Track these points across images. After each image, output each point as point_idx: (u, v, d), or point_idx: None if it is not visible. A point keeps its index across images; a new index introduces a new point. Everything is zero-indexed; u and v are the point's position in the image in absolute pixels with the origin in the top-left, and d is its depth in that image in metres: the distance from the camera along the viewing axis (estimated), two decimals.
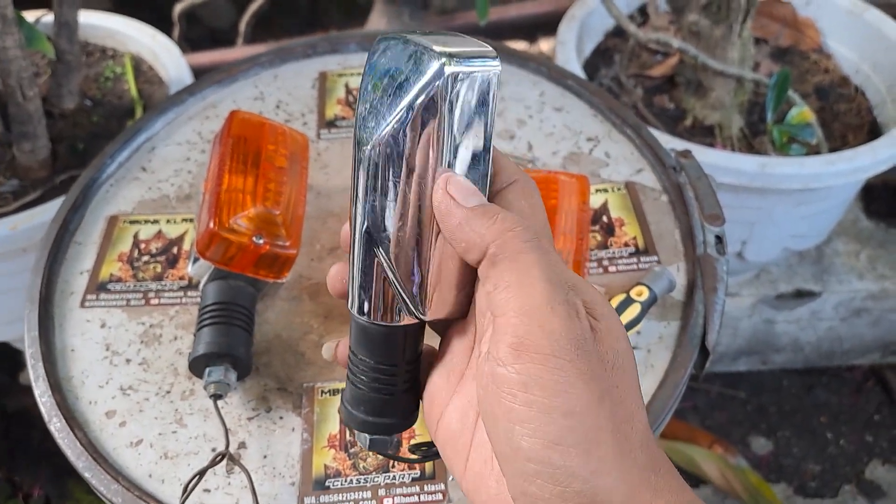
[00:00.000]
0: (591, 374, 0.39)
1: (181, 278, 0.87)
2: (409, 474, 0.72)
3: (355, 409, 0.49)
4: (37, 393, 0.77)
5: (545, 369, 0.38)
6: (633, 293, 0.81)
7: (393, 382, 0.48)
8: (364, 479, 0.72)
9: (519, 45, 2.01)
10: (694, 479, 1.56)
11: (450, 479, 0.72)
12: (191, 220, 0.92)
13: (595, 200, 0.93)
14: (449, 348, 0.48)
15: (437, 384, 0.48)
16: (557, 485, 0.38)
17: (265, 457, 0.74)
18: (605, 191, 0.94)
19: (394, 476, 0.72)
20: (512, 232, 0.41)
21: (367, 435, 0.50)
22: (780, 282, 1.65)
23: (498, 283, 0.40)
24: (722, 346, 1.74)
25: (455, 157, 0.42)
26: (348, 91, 1.07)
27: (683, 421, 1.69)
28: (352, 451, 0.74)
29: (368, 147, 0.42)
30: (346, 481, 0.72)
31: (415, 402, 0.50)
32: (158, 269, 0.88)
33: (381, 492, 0.71)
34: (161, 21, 1.69)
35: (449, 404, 0.47)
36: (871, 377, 1.80)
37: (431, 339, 0.50)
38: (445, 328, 0.49)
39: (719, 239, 0.87)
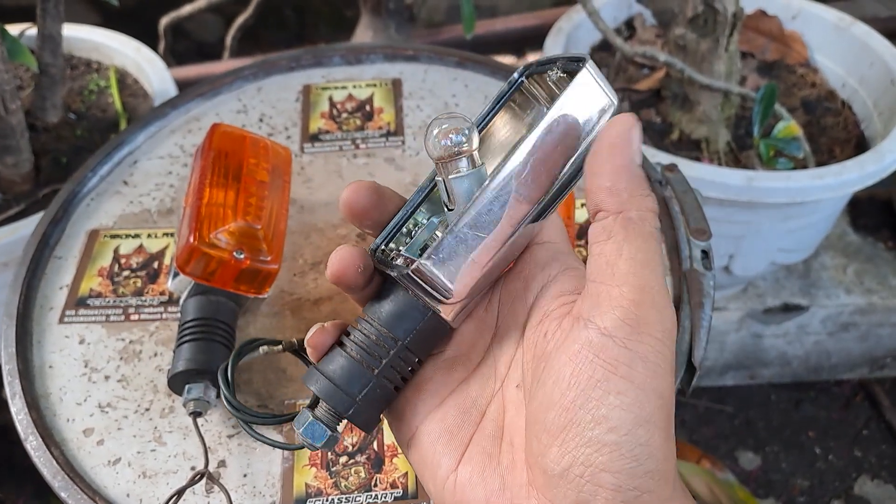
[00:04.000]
0: (672, 363, 0.40)
1: (162, 293, 0.86)
2: (392, 493, 0.71)
3: (350, 390, 0.45)
4: (13, 410, 0.76)
5: (653, 351, 0.38)
6: None
7: (407, 375, 0.46)
8: (346, 498, 0.71)
9: (507, 60, 2.00)
10: None
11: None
12: (172, 235, 0.91)
13: (580, 215, 0.92)
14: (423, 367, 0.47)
15: (409, 400, 0.47)
16: (633, 460, 0.38)
17: (245, 476, 0.73)
18: None
19: (376, 495, 0.71)
20: (653, 214, 0.41)
21: (330, 428, 0.46)
22: (767, 296, 1.65)
23: (623, 251, 0.40)
24: (709, 361, 1.73)
25: None
26: (332, 104, 1.06)
27: None
28: (333, 469, 0.73)
29: None
30: (327, 500, 0.71)
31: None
32: (139, 284, 0.87)
33: None
34: (149, 35, 1.68)
35: (425, 422, 0.46)
36: (859, 392, 1.80)
37: None
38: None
39: (705, 253, 0.87)
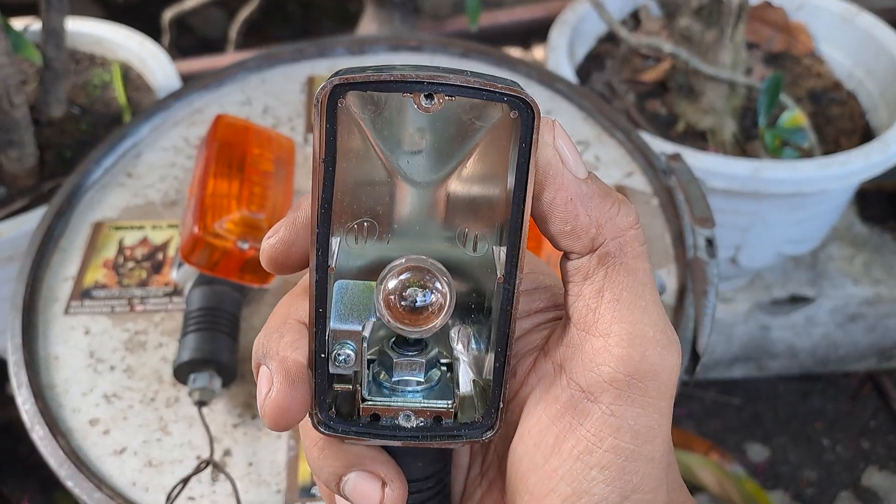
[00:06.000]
0: (669, 414, 0.35)
1: (166, 284, 0.86)
2: None
3: None
4: (19, 401, 0.76)
5: (644, 414, 0.33)
6: None
7: None
8: None
9: (513, 52, 2.00)
10: (690, 486, 1.54)
11: None
12: (176, 226, 0.91)
13: None
14: None
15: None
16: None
17: (250, 464, 0.73)
18: None
19: None
20: (634, 231, 0.34)
21: None
22: (774, 287, 1.64)
23: (604, 293, 0.34)
24: (717, 353, 1.73)
25: None
26: None
27: (679, 428, 1.68)
28: None
29: None
30: None
31: None
32: (143, 276, 0.87)
33: None
34: (153, 30, 1.68)
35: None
36: (866, 383, 1.79)
37: None
38: None
39: (710, 242, 0.86)
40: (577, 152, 0.34)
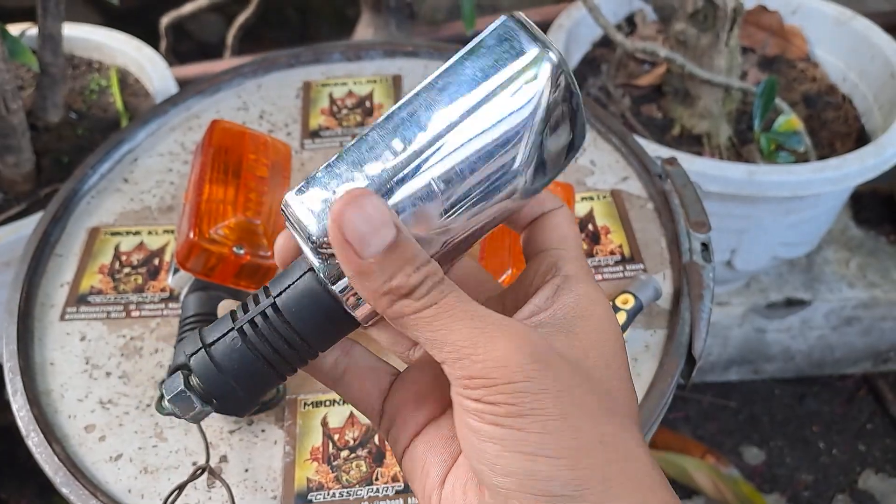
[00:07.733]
0: (561, 387, 0.36)
1: (162, 290, 0.86)
2: (393, 487, 0.71)
3: (230, 376, 0.40)
4: (14, 407, 0.76)
5: (505, 397, 0.36)
6: (618, 301, 0.80)
7: (281, 349, 0.41)
8: (347, 493, 0.71)
9: None
10: (686, 489, 1.55)
11: None
12: (172, 232, 0.91)
13: (580, 209, 0.92)
14: (421, 376, 0.45)
15: (410, 407, 0.45)
16: (544, 494, 0.36)
17: (247, 470, 0.73)
18: (591, 199, 0.94)
19: (377, 489, 0.71)
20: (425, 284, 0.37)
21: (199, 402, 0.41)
22: (770, 290, 1.64)
23: (421, 336, 0.38)
24: (713, 356, 1.73)
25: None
26: (332, 101, 1.06)
27: (675, 431, 1.68)
28: (335, 463, 0.73)
29: None
30: (328, 494, 0.71)
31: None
32: (139, 281, 0.87)
33: None
34: (150, 35, 1.68)
35: (425, 429, 0.44)
36: (862, 386, 1.80)
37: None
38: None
39: (705, 246, 0.86)
40: (380, 218, 0.35)
